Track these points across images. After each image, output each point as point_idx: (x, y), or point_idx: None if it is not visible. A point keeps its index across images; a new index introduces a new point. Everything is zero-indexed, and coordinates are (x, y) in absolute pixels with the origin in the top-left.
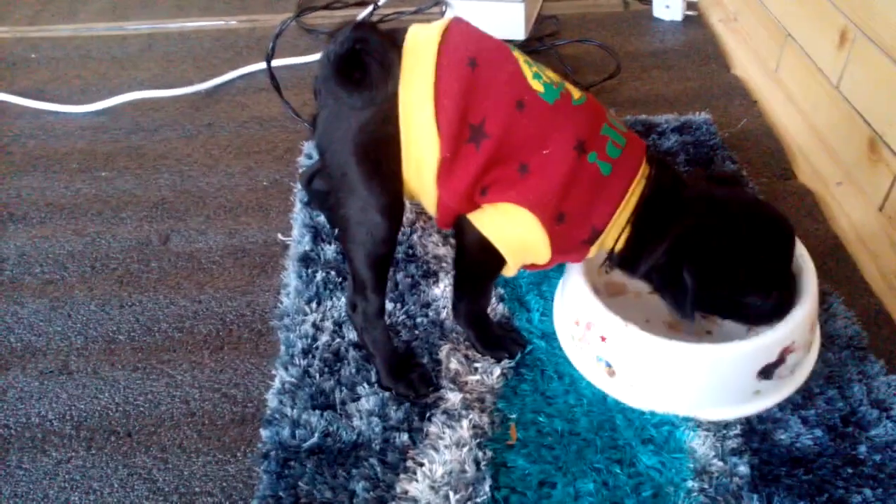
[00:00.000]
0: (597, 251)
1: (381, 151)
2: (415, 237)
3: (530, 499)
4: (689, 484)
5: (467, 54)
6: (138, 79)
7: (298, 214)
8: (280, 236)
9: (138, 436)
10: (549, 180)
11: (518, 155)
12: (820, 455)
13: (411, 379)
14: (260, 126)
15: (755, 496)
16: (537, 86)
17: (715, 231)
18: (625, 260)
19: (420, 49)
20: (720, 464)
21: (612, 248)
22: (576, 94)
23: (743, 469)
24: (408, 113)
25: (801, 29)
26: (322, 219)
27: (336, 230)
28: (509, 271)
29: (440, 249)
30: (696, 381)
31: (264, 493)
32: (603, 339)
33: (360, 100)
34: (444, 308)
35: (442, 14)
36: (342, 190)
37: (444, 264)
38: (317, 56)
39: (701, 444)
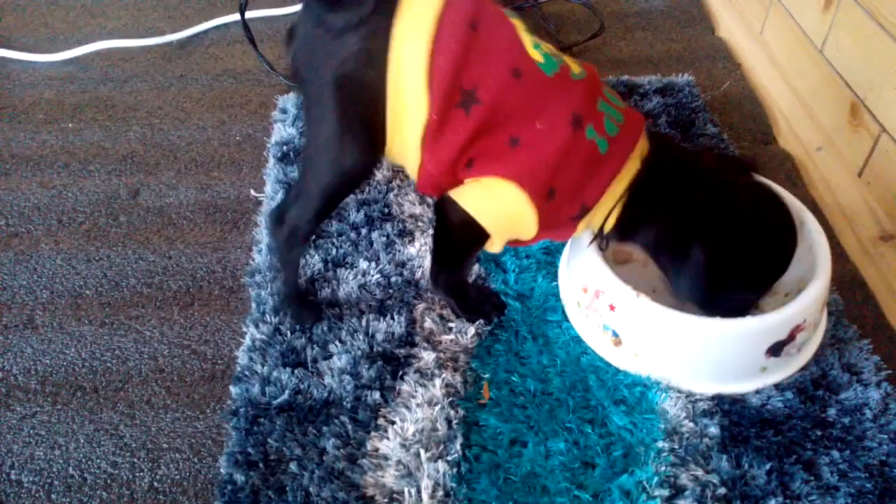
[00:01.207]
0: (584, 228)
1: (360, 93)
2: (391, 196)
3: (501, 457)
4: (660, 444)
5: (469, 15)
6: (108, 28)
7: (271, 170)
8: (253, 192)
9: (105, 391)
10: (542, 154)
11: (509, 126)
12: (790, 417)
13: (311, 309)
14: (233, 79)
15: (724, 456)
16: (536, 56)
17: (731, 214)
18: (621, 232)
19: (422, 1)
20: (690, 425)
21: (602, 227)
22: (575, 68)
23: (713, 430)
24: (398, 66)
25: None
26: (296, 174)
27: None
28: (494, 247)
29: (416, 208)
30: (706, 355)
31: (233, 449)
32: (612, 308)
33: (341, 19)
34: (419, 268)
35: None
36: (315, 110)
37: (420, 223)
38: (292, 8)
39: (672, 406)
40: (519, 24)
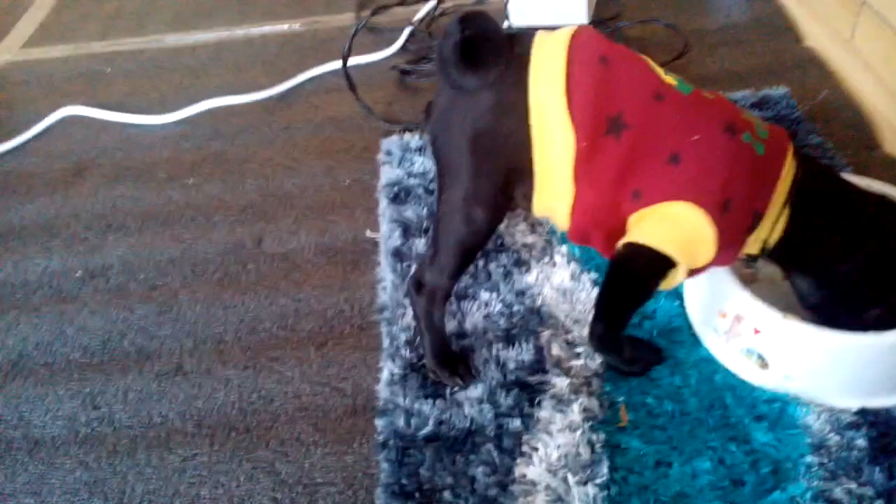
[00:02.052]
0: (751, 244)
1: (496, 143)
2: (502, 227)
3: (648, 479)
4: (808, 459)
5: (598, 53)
6: (211, 87)
7: (385, 210)
8: (368, 233)
9: (257, 431)
10: (707, 164)
11: (665, 145)
12: None
13: (456, 368)
14: (335, 126)
15: (876, 468)
16: (670, 80)
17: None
18: (784, 252)
19: (549, 48)
20: (837, 438)
21: (766, 239)
22: (704, 92)
23: (861, 442)
24: (540, 105)
25: None
26: (410, 213)
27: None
28: (678, 277)
29: (528, 238)
30: (860, 370)
31: (387, 480)
32: (756, 331)
33: (475, 80)
34: (538, 295)
35: (504, 3)
36: (448, 175)
37: (533, 252)
38: (382, 54)
39: (815, 420)
40: (648, 59)
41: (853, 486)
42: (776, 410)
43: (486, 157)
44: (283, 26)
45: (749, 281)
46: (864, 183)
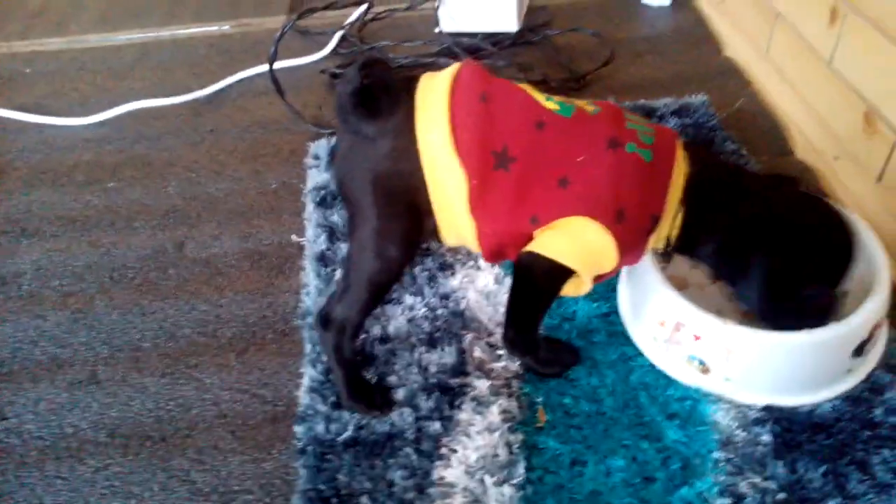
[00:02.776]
0: (653, 243)
1: (396, 185)
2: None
3: (563, 478)
4: (716, 455)
5: (478, 91)
6: (135, 89)
7: (311, 215)
8: (294, 237)
9: (173, 439)
10: (595, 181)
11: (552, 171)
12: (838, 420)
13: (372, 400)
14: (263, 129)
15: (779, 463)
16: (552, 105)
17: (785, 220)
18: (684, 244)
19: (432, 91)
20: (743, 434)
21: (668, 236)
22: (589, 108)
23: (766, 437)
24: (429, 150)
25: (790, 8)
26: (336, 218)
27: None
28: (583, 287)
29: None
30: (798, 368)
31: (305, 486)
32: (697, 337)
33: (373, 128)
34: (462, 298)
35: (435, 9)
36: (357, 215)
37: (458, 256)
38: (312, 57)
39: (724, 416)
40: (527, 86)
41: (757, 480)
42: (687, 408)
43: (390, 197)
44: (213, 28)
45: (680, 287)
46: None
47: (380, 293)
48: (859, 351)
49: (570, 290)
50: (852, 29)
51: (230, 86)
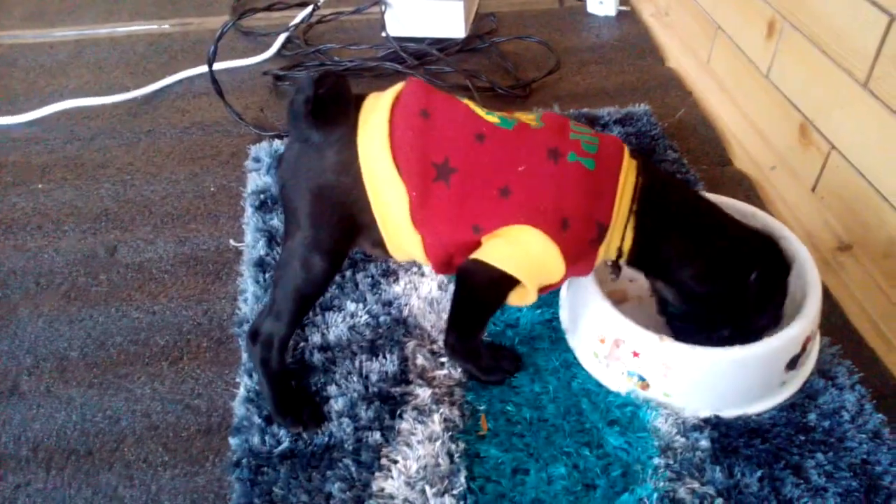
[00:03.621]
0: (604, 253)
1: (335, 197)
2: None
3: (505, 487)
4: (656, 461)
5: (419, 108)
6: (70, 87)
7: (250, 219)
8: (232, 242)
9: (100, 453)
10: (535, 190)
11: (493, 181)
12: (774, 425)
13: (300, 415)
14: (202, 131)
15: (717, 468)
16: (492, 119)
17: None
18: (638, 257)
19: (375, 108)
20: (682, 440)
21: (619, 249)
22: (532, 122)
23: (704, 443)
24: (369, 164)
25: (730, 21)
26: (276, 222)
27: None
28: (529, 297)
29: None
30: (735, 381)
31: (238, 500)
32: (636, 354)
33: (319, 136)
34: (405, 305)
35: (381, 13)
36: (292, 222)
37: (402, 264)
38: (256, 59)
39: (663, 423)
40: (469, 102)
41: (696, 485)
42: (628, 414)
43: (327, 209)
44: (153, 26)
45: (619, 301)
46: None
47: (305, 304)
48: (793, 364)
49: (515, 299)
50: (789, 43)
51: (169, 86)
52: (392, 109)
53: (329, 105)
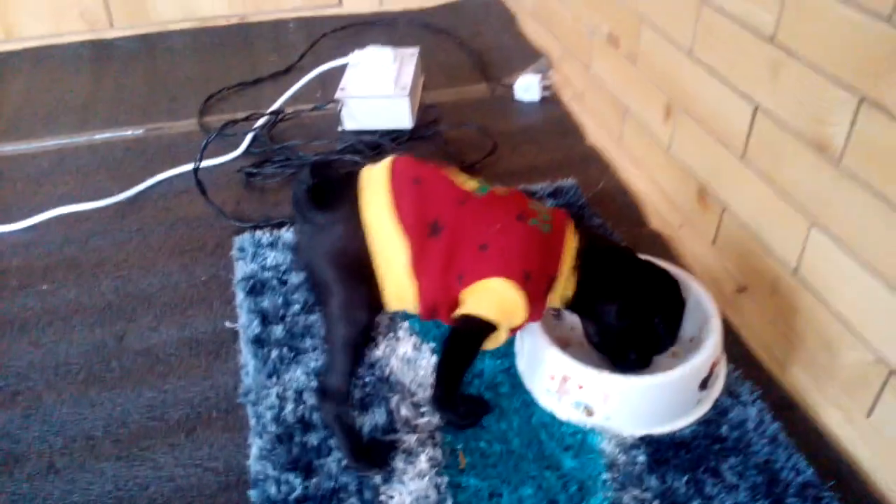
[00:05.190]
0: (550, 302)
1: (352, 259)
2: None
3: None
4: (604, 476)
5: (412, 176)
6: (57, 194)
7: (243, 302)
8: (227, 323)
9: None
10: (508, 247)
11: (474, 238)
12: (695, 438)
13: (373, 457)
14: (187, 226)
15: (653, 476)
16: (471, 185)
17: (652, 295)
18: (577, 303)
19: (374, 180)
20: (624, 457)
21: (563, 296)
22: (499, 190)
23: (641, 458)
24: (374, 227)
25: (635, 105)
26: (266, 304)
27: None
28: (500, 339)
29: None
30: (662, 403)
31: None
32: (580, 387)
33: (326, 217)
34: (386, 366)
35: (338, 111)
36: (326, 293)
37: (380, 329)
38: (227, 157)
39: (608, 444)
40: (451, 170)
41: (637, 492)
42: (579, 440)
43: (348, 271)
44: (127, 132)
45: (564, 345)
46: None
47: (358, 355)
48: (704, 385)
49: (489, 343)
50: (682, 123)
51: (151, 187)
52: (390, 178)
53: (326, 189)
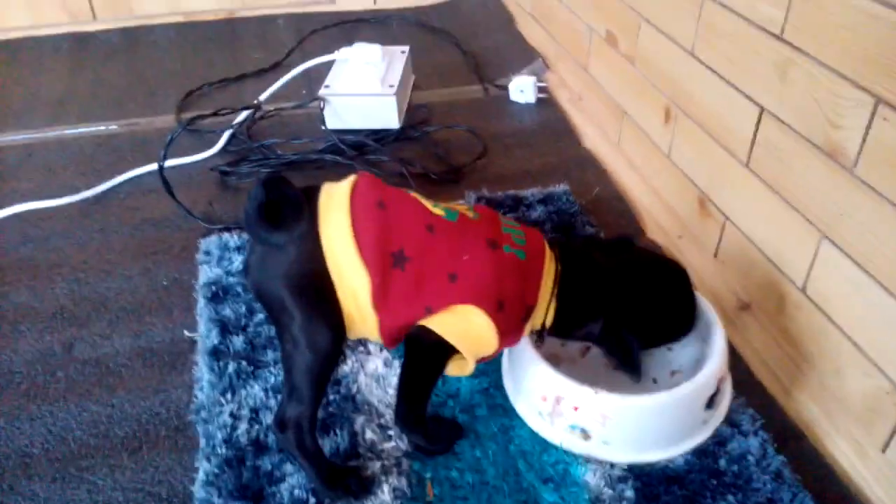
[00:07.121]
0: (528, 329)
1: (310, 283)
2: None
3: None
4: None
5: (375, 199)
6: (21, 190)
7: (203, 310)
8: (186, 333)
9: None
10: (478, 276)
11: (442, 267)
12: (689, 472)
13: (348, 484)
14: (153, 227)
15: None
16: (439, 211)
17: (639, 297)
18: (558, 328)
19: (334, 200)
20: (610, 491)
21: (543, 323)
22: (470, 213)
23: (629, 493)
24: (333, 252)
25: (634, 107)
26: (228, 312)
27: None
28: (468, 367)
29: None
30: (666, 423)
31: None
32: (575, 408)
33: (281, 237)
34: (353, 383)
35: (321, 109)
36: (282, 317)
37: (349, 343)
38: (202, 155)
39: (592, 477)
40: (417, 195)
41: None
42: (560, 471)
43: (307, 294)
44: (101, 127)
45: (557, 362)
46: None
47: (322, 383)
48: (711, 403)
49: (455, 370)
50: (683, 127)
51: (119, 185)
52: (351, 200)
53: (281, 207)
